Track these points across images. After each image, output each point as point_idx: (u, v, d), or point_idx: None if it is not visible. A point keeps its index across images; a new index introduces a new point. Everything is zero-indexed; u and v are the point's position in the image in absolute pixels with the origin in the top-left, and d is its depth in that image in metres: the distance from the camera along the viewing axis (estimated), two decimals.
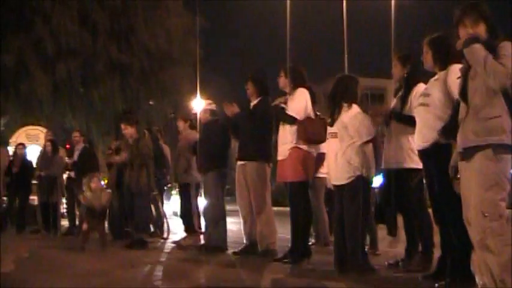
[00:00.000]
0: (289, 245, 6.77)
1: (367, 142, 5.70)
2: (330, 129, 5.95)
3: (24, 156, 12.50)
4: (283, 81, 6.94)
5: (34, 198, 12.57)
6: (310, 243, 7.28)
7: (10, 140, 15.84)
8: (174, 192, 13.01)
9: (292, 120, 6.59)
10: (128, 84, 19.83)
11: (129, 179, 8.73)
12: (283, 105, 6.71)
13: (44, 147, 12.26)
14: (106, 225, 9.19)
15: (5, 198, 12.62)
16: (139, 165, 8.59)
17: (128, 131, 8.94)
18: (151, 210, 10.05)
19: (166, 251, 8.44)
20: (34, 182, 12.43)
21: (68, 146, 12.30)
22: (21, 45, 17.41)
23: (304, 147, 6.60)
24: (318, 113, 7.04)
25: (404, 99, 5.87)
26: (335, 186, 5.87)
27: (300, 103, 6.67)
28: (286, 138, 6.67)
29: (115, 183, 9.71)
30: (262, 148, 7.29)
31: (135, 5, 19.37)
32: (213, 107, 8.49)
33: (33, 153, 14.47)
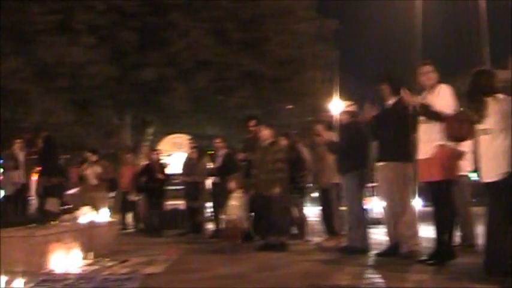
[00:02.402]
0: (433, 246, 6.58)
1: None
2: (479, 126, 5.67)
3: (159, 161, 13.10)
4: (433, 77, 6.69)
5: (181, 203, 13.17)
6: (455, 244, 7.00)
7: (158, 148, 16.65)
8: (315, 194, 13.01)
9: (439, 117, 6.35)
10: (262, 91, 20.19)
11: (263, 183, 8.86)
12: (427, 103, 6.51)
13: (189, 154, 12.80)
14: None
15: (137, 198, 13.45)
16: (272, 168, 8.70)
17: (264, 133, 9.07)
18: (292, 213, 10.16)
19: (307, 253, 8.44)
20: (179, 187, 13.06)
21: (211, 152, 12.73)
22: (160, 60, 18.28)
23: (450, 144, 6.37)
24: (461, 109, 6.75)
25: None
26: (485, 184, 5.60)
27: (446, 99, 6.44)
28: (430, 136, 6.46)
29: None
30: (402, 148, 7.14)
31: (265, 14, 19.67)
32: (353, 108, 8.43)
33: (178, 161, 15.20)
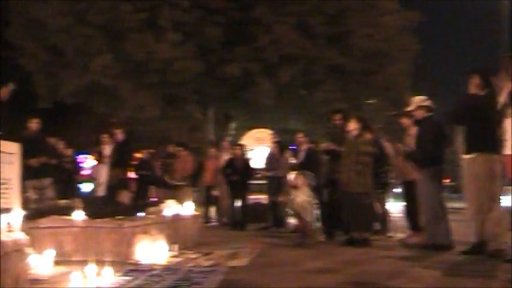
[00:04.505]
0: None
1: None
2: None
3: (243, 156, 13.23)
4: None
5: (263, 197, 13.28)
6: None
7: (242, 143, 16.83)
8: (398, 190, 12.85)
9: None
10: (348, 85, 19.99)
11: (347, 178, 8.80)
12: None
13: (271, 149, 12.88)
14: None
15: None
16: (356, 162, 8.64)
17: (350, 124, 9.00)
18: (375, 208, 10.04)
19: (391, 249, 8.33)
20: (261, 182, 13.18)
21: (293, 147, 12.75)
22: (245, 56, 18.44)
23: None
24: None
25: None
26: None
27: None
28: None
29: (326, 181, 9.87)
30: (491, 140, 6.92)
31: (351, 7, 19.45)
32: (428, 102, 8.23)
33: (260, 155, 15.30)
